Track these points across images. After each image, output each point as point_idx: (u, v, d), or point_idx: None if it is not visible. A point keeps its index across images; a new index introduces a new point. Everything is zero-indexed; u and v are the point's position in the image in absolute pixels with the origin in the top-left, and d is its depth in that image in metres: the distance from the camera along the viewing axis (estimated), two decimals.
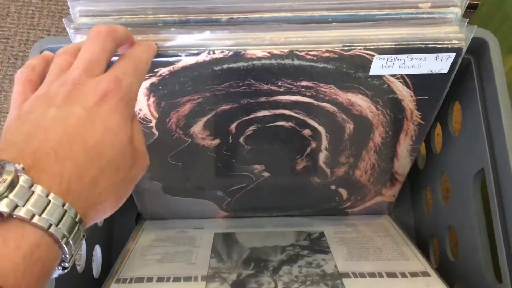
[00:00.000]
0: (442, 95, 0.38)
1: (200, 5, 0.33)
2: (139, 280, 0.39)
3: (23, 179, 0.20)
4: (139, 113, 0.38)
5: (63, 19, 0.33)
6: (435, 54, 0.33)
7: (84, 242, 0.43)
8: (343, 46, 0.33)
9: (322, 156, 0.44)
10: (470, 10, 0.63)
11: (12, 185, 0.20)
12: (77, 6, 0.33)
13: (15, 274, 0.19)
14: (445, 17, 0.34)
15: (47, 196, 0.21)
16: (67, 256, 0.22)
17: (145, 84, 0.35)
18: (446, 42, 0.33)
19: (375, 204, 0.51)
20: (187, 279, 0.38)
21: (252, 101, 0.37)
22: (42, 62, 0.28)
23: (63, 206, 0.21)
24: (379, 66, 0.34)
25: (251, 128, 0.40)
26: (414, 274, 0.39)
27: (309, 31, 0.33)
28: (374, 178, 0.47)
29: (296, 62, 0.34)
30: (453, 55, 0.33)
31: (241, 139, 0.41)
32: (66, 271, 0.23)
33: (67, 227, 0.21)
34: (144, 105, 0.37)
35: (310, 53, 0.33)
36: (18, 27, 0.84)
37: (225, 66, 0.34)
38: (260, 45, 0.33)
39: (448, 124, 0.44)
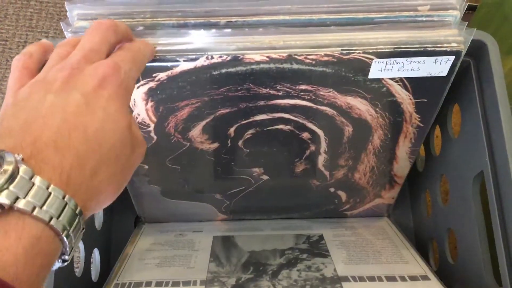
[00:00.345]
0: (441, 98, 0.38)
1: (198, 9, 0.33)
2: (138, 284, 0.38)
3: (23, 170, 0.20)
4: (137, 118, 0.37)
5: (61, 23, 0.33)
6: (434, 57, 0.33)
7: (82, 245, 0.42)
8: (342, 50, 0.33)
9: (321, 159, 0.44)
10: (469, 12, 0.63)
11: (12, 176, 0.19)
12: (75, 9, 0.33)
13: (16, 266, 0.19)
14: (444, 20, 0.34)
15: (47, 188, 0.20)
16: (68, 249, 0.22)
17: (143, 89, 0.35)
18: (445, 45, 0.33)
19: (374, 206, 0.51)
20: (186, 283, 0.38)
21: (250, 105, 0.37)
22: (40, 49, 0.28)
23: (63, 198, 0.21)
24: (378, 70, 0.34)
25: (249, 131, 0.40)
26: (413, 278, 0.39)
27: (308, 34, 0.33)
28: (373, 180, 0.47)
29: (295, 66, 0.33)
30: (452, 58, 0.33)
31: (240, 143, 0.41)
32: (66, 263, 0.23)
33: (68, 220, 0.21)
34: (142, 110, 0.37)
35: (308, 57, 0.33)
36: (16, 29, 0.83)
37: (224, 70, 0.34)
38: (259, 49, 0.33)
39: (447, 127, 0.44)
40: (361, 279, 0.38)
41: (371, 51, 0.33)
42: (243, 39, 0.33)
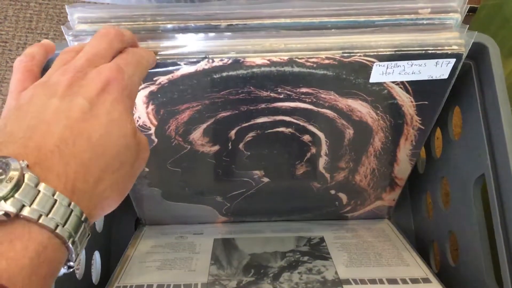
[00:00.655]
0: (442, 101, 0.38)
1: (199, 12, 0.33)
2: (139, 287, 0.38)
3: (28, 177, 0.20)
4: (137, 121, 0.37)
5: (62, 26, 0.33)
6: (435, 60, 0.33)
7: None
8: (343, 52, 0.33)
9: (322, 161, 0.44)
10: (469, 14, 0.63)
11: (18, 184, 0.19)
12: (76, 12, 0.33)
13: (22, 276, 0.18)
14: (445, 22, 0.34)
15: (53, 195, 0.20)
16: (73, 255, 0.21)
17: (144, 92, 0.35)
18: (446, 47, 0.33)
19: (375, 208, 0.51)
20: (187, 286, 0.38)
21: (251, 107, 0.37)
22: (42, 51, 0.28)
23: (68, 205, 0.21)
24: (379, 73, 0.34)
25: (250, 134, 0.40)
26: (415, 281, 0.38)
27: (309, 37, 0.33)
28: (374, 182, 0.47)
29: (296, 69, 0.33)
30: (453, 60, 0.33)
31: (241, 145, 0.41)
32: (71, 269, 0.22)
33: (73, 227, 0.21)
34: (143, 113, 0.37)
35: (310, 60, 0.33)
36: (16, 30, 0.83)
37: (225, 74, 0.34)
38: (260, 52, 0.33)
39: (448, 129, 0.44)
40: (363, 281, 0.38)
41: (372, 54, 0.33)
42: (244, 42, 0.33)
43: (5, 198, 0.19)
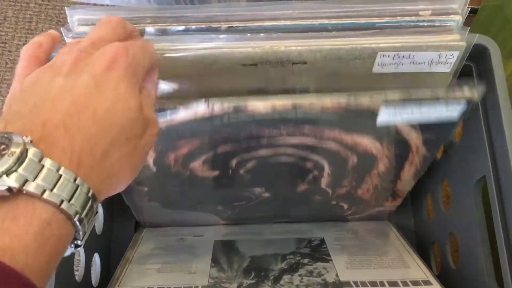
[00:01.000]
0: (451, 134, 0.38)
1: (199, 14, 0.33)
2: None
3: (32, 152, 0.19)
4: None
5: (61, 28, 0.33)
6: (445, 107, 0.33)
7: (82, 250, 0.42)
8: (348, 95, 0.32)
9: (324, 181, 0.43)
10: (470, 15, 0.63)
11: (20, 159, 0.19)
12: (75, 14, 0.33)
13: (26, 253, 0.18)
14: (446, 25, 0.33)
15: (57, 170, 0.20)
16: (80, 233, 0.21)
17: None
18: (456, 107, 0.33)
19: (376, 211, 0.51)
20: None
21: (253, 143, 0.37)
22: (49, 40, 0.28)
23: (74, 181, 0.20)
24: (387, 116, 0.33)
25: (252, 162, 0.40)
26: (415, 283, 0.38)
27: (309, 39, 0.33)
28: (376, 195, 0.47)
29: (300, 114, 0.33)
30: (462, 107, 0.33)
31: (242, 171, 0.41)
32: (78, 248, 0.22)
33: (80, 203, 0.20)
34: None
35: (314, 106, 0.32)
36: (15, 31, 0.83)
37: (225, 118, 0.33)
38: (263, 99, 0.32)
39: None
40: (363, 284, 0.38)
41: (380, 99, 0.32)
42: (245, 44, 0.33)
43: (8, 173, 0.19)
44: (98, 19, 0.33)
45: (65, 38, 0.33)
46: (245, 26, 0.33)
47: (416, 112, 0.33)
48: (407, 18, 0.33)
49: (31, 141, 0.20)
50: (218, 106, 0.32)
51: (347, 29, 0.33)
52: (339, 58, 0.33)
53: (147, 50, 0.27)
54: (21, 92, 0.23)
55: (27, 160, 0.19)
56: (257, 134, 0.35)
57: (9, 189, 0.19)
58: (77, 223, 0.20)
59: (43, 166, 0.20)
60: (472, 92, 0.32)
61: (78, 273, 0.42)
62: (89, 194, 0.21)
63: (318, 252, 0.44)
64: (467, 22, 0.34)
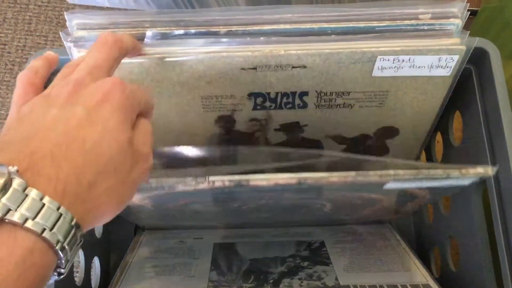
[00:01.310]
0: (454, 192, 0.38)
1: (198, 18, 0.33)
2: None
3: (16, 182, 0.20)
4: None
5: (61, 32, 0.33)
6: (451, 181, 0.33)
7: (82, 253, 0.42)
8: (357, 175, 0.31)
9: (326, 208, 0.43)
10: (470, 17, 0.63)
11: (5, 189, 0.19)
12: (74, 19, 0.33)
13: (7, 283, 0.18)
14: (446, 28, 0.33)
15: (41, 199, 0.20)
16: (63, 261, 0.21)
17: (137, 196, 0.33)
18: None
19: (377, 217, 0.51)
20: None
21: (254, 199, 0.37)
22: (45, 65, 0.28)
23: (58, 209, 0.20)
24: (394, 185, 0.33)
25: (253, 205, 0.39)
26: (415, 287, 0.38)
27: (309, 43, 0.33)
28: (377, 215, 0.47)
29: (305, 186, 0.32)
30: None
31: (244, 208, 0.41)
32: (62, 277, 0.22)
33: (63, 232, 0.21)
34: (137, 197, 0.35)
35: (320, 181, 0.31)
36: (15, 33, 0.83)
37: (226, 189, 0.32)
38: (265, 177, 0.31)
39: (448, 134, 0.44)
40: (363, 287, 0.38)
41: (389, 177, 0.31)
42: (244, 48, 0.33)
43: None
44: (97, 24, 0.33)
45: (64, 42, 0.33)
46: (245, 30, 0.33)
47: (426, 184, 0.33)
48: (407, 22, 0.33)
49: (18, 171, 0.20)
50: (219, 183, 0.31)
51: (347, 32, 0.33)
52: (338, 61, 0.34)
53: (144, 91, 0.27)
54: (16, 121, 0.24)
55: (11, 190, 0.20)
56: (259, 196, 0.35)
57: None
58: (59, 251, 0.21)
59: (27, 195, 0.20)
60: (485, 170, 0.32)
61: (78, 277, 0.42)
62: (73, 223, 0.21)
63: (318, 255, 0.44)
64: (467, 24, 0.34)
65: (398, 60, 0.33)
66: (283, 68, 0.34)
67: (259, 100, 0.37)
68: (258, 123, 0.40)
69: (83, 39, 0.33)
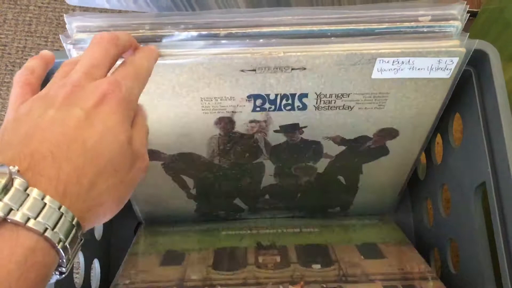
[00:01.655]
0: None
1: (198, 20, 0.33)
2: None
3: (18, 182, 0.20)
4: None
5: (60, 35, 0.33)
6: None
7: (82, 256, 0.42)
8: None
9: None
10: (470, 18, 0.63)
11: (6, 188, 0.20)
12: (74, 21, 0.33)
13: (9, 282, 0.18)
14: (445, 30, 0.33)
15: (42, 199, 0.20)
16: (64, 260, 0.21)
17: None
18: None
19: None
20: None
21: None
22: (42, 64, 0.28)
23: (59, 209, 0.21)
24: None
25: None
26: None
27: (308, 45, 0.33)
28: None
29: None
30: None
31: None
32: (63, 275, 0.22)
33: (64, 231, 0.21)
34: None
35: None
36: (15, 34, 0.83)
37: None
38: None
39: (448, 136, 0.44)
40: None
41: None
42: (244, 50, 0.33)
43: None
44: (97, 26, 0.33)
45: (64, 44, 0.33)
46: (244, 32, 0.33)
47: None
48: (407, 24, 0.33)
49: (18, 171, 0.20)
50: None
51: (347, 35, 0.33)
52: (338, 63, 0.34)
53: (140, 75, 0.27)
54: (13, 122, 0.24)
55: (12, 190, 0.20)
56: None
57: None
58: (61, 250, 0.21)
59: (28, 195, 0.20)
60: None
61: (78, 278, 0.42)
62: (74, 222, 0.21)
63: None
64: (467, 25, 0.34)
65: (398, 62, 0.33)
66: (283, 70, 0.34)
67: (258, 101, 0.37)
68: (258, 125, 0.40)
69: (82, 42, 0.33)
